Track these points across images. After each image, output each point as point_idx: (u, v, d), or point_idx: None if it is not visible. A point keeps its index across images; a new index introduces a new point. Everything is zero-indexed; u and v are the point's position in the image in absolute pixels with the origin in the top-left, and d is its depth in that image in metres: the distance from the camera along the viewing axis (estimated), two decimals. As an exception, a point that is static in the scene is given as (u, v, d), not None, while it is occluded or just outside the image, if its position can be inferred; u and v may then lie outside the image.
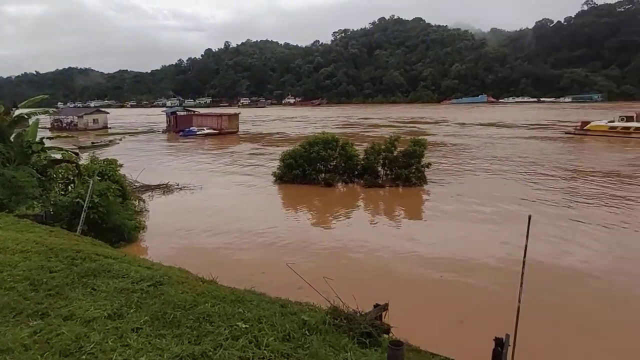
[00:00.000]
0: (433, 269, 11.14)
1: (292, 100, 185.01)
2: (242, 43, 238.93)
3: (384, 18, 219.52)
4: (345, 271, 10.95)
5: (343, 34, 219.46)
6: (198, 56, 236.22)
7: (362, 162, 22.58)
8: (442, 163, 28.01)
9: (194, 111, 64.10)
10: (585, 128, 46.07)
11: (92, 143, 43.98)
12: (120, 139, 49.86)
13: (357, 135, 47.34)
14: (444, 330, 8.14)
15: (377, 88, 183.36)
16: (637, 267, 11.13)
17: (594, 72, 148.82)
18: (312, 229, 15.22)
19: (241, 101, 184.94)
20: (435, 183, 21.83)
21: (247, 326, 4.12)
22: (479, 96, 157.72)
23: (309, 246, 13.06)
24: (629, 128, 42.22)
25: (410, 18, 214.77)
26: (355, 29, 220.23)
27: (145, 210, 17.13)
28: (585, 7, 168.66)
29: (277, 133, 56.85)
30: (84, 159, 17.04)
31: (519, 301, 4.96)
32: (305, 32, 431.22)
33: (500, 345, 4.68)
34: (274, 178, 23.04)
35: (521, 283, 5.05)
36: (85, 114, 67.57)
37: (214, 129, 53.73)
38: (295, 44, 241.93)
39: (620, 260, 11.62)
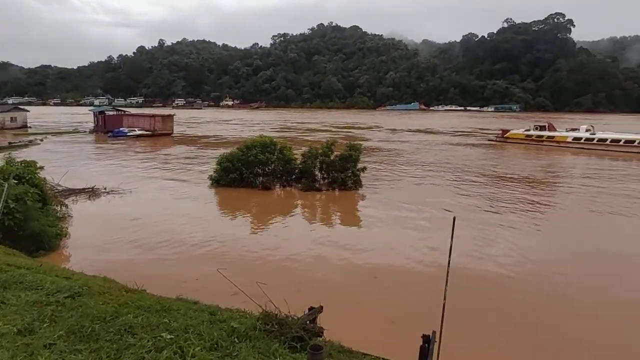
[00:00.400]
0: (367, 272, 11.39)
1: (230, 103, 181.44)
2: (177, 42, 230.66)
3: (322, 24, 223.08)
4: (280, 276, 10.90)
5: (282, 38, 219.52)
6: (130, 53, 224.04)
7: (300, 165, 22.67)
8: (376, 168, 28.88)
9: (124, 111, 60.62)
10: (505, 136, 49.95)
11: (9, 143, 40.06)
12: (42, 140, 45.87)
13: (294, 139, 47.48)
14: (377, 330, 8.35)
15: (315, 93, 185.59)
16: (545, 268, 12.15)
17: (513, 85, 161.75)
18: (249, 233, 14.97)
19: (175, 102, 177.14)
20: (370, 187, 22.46)
21: (173, 336, 3.95)
22: (412, 103, 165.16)
23: (245, 251, 12.83)
24: (542, 136, 46.45)
25: (347, 26, 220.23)
26: (294, 34, 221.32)
27: (69, 216, 15.91)
28: (505, 25, 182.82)
29: (214, 136, 55.44)
30: (-3, 160, 15.44)
31: (444, 299, 5.19)
32: (244, 34, 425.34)
33: (427, 341, 4.88)
34: (210, 182, 22.42)
35: (446, 282, 5.29)
36: (1, 112, 61.38)
37: (147, 130, 51.20)
38: (233, 46, 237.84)
39: (532, 262, 12.61)
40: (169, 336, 3.91)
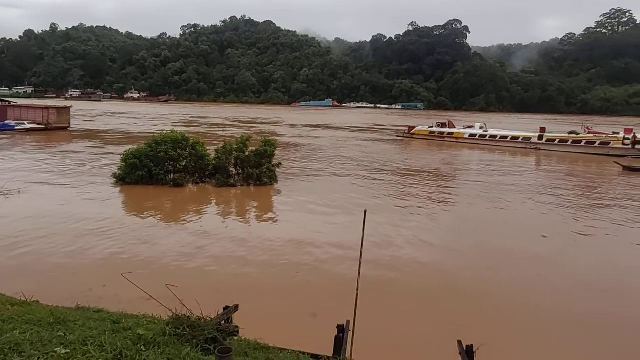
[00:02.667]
0: (287, 267, 11.36)
1: (136, 95, 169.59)
2: (73, 27, 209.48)
3: (235, 17, 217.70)
4: (193, 277, 10.46)
5: (193, 29, 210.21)
6: (15, 37, 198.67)
7: (214, 162, 21.98)
8: (291, 163, 29.05)
9: (8, 102, 53.55)
10: (411, 132, 53.40)
11: None
12: None
13: (207, 135, 45.92)
14: (298, 324, 8.40)
15: (229, 87, 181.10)
16: (450, 255, 13.22)
17: (418, 84, 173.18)
18: (159, 233, 14.11)
19: (70, 92, 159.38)
20: (286, 182, 22.53)
21: (69, 351, 3.58)
22: (325, 100, 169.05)
23: (155, 252, 12.09)
24: (443, 133, 50.53)
25: (261, 20, 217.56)
26: (205, 25, 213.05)
27: None
28: (411, 28, 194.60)
29: (118, 130, 51.48)
30: None
31: (357, 289, 5.39)
32: (150, 23, 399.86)
33: (341, 331, 5.03)
34: (115, 180, 20.76)
35: (359, 273, 5.49)
36: None
37: (39, 124, 45.82)
38: (139, 35, 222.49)
39: (438, 249, 13.64)
40: (63, 351, 3.52)
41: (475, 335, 5.30)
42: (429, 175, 26.70)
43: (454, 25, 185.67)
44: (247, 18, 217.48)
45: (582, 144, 40.09)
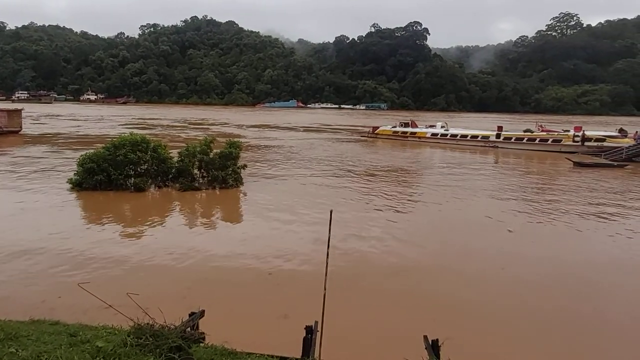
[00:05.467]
0: (257, 270, 11.19)
1: (92, 97, 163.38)
2: (23, 26, 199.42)
3: (196, 17, 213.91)
4: (156, 284, 10.15)
5: (152, 29, 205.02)
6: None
7: (177, 164, 21.43)
8: (256, 165, 28.80)
9: (-50, 105, 50.25)
10: (375, 132, 54.19)
11: None
12: None
13: (169, 137, 44.81)
14: (268, 327, 8.28)
15: (191, 88, 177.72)
16: (417, 252, 13.48)
17: (381, 85, 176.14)
18: (119, 240, 13.60)
19: (17, 94, 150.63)
20: (251, 184, 22.30)
21: (22, 367, 3.38)
22: (290, 101, 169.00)
23: (115, 260, 11.63)
24: (406, 132, 51.62)
25: (223, 20, 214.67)
26: (165, 25, 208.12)
27: None
28: (373, 29, 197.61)
29: (74, 134, 49.35)
30: None
31: (325, 289, 5.38)
32: (107, 22, 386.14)
33: (309, 332, 5.01)
34: (71, 185, 19.84)
35: (325, 272, 5.49)
36: None
37: None
38: (94, 34, 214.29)
39: (405, 246, 13.88)
40: (16, 368, 3.33)
41: (442, 330, 5.41)
42: (394, 175, 27.17)
43: (414, 27, 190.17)
44: (208, 18, 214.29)
45: (537, 141, 41.99)
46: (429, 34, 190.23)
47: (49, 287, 9.72)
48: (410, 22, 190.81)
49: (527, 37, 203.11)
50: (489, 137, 45.32)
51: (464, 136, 47.09)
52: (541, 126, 46.53)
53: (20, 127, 46.79)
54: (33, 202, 17.92)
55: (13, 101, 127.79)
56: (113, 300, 5.09)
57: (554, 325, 8.88)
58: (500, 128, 46.03)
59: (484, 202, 19.92)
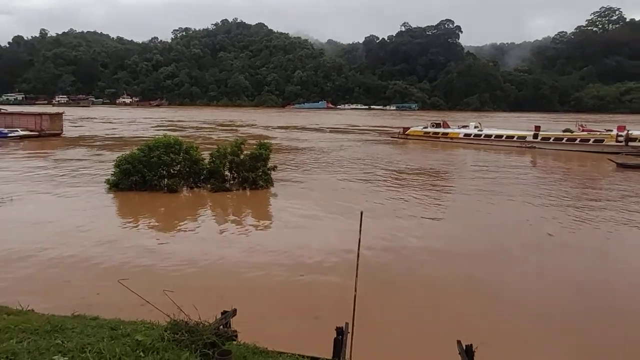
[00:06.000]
0: (286, 271, 11.26)
1: (128, 100, 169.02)
2: (64, 33, 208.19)
3: (227, 20, 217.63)
4: (190, 282, 10.40)
5: (184, 33, 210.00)
6: (3, 43, 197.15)
7: (208, 166, 21.87)
8: (287, 166, 29.02)
9: (-1, 109, 53.20)
10: (406, 133, 53.51)
11: None
12: None
13: (200, 138, 45.82)
14: (299, 328, 8.33)
15: (222, 90, 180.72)
16: (451, 255, 13.23)
17: (411, 85, 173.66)
18: (154, 239, 14.03)
19: (57, 99, 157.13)
20: (282, 185, 22.47)
21: (67, 359, 3.54)
22: (319, 102, 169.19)
23: (151, 258, 12.01)
24: (437, 133, 50.68)
25: (253, 23, 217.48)
26: (197, 29, 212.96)
27: None
28: (403, 28, 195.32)
29: (111, 136, 51.24)
30: None
31: (355, 290, 5.38)
32: (141, 27, 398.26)
33: (340, 333, 5.02)
34: (108, 186, 20.62)
35: (356, 274, 5.48)
36: None
37: (32, 131, 45.52)
38: (130, 39, 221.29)
39: (439, 249, 13.65)
40: (62, 359, 3.50)
41: (477, 335, 5.30)
42: (425, 176, 26.75)
43: (446, 25, 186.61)
44: (239, 21, 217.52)
45: (577, 141, 40.36)
46: (462, 32, 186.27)
47: (88, 284, 10.11)
48: (442, 20, 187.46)
49: (565, 33, 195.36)
50: (525, 137, 43.88)
51: (498, 136, 45.80)
52: (582, 125, 44.66)
53: (61, 129, 49.04)
54: (74, 202, 18.73)
55: (54, 105, 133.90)
56: (148, 297, 5.25)
57: (595, 328, 8.53)
58: (537, 128, 44.46)
59: (521, 207, 19.19)
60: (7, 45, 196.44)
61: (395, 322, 8.75)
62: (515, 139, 44.41)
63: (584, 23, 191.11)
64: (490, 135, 46.37)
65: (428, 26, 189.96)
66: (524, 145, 42.62)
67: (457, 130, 50.31)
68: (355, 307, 5.24)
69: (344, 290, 9.64)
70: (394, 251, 12.88)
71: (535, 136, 43.02)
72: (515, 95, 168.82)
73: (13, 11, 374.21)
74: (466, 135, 48.12)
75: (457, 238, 14.66)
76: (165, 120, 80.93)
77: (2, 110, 52.17)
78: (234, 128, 66.12)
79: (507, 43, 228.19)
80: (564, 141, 41.07)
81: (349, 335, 5.09)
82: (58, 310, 6.49)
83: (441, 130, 50.94)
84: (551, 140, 41.94)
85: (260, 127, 68.50)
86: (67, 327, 4.28)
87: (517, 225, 16.23)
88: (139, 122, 74.31)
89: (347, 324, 5.15)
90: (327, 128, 69.11)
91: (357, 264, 5.41)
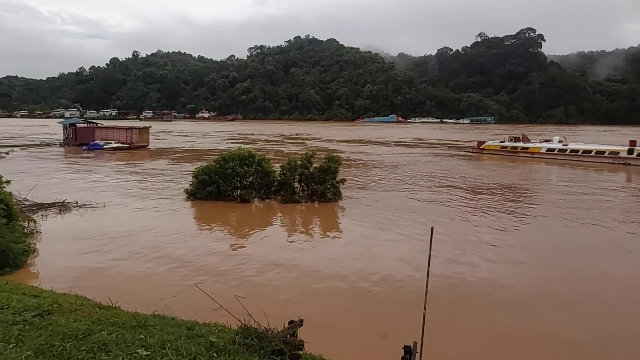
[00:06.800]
0: (354, 286, 11.17)
1: (206, 115, 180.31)
2: (152, 54, 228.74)
3: (299, 37, 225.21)
4: (260, 289, 10.71)
5: (259, 51, 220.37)
6: (102, 65, 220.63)
7: (279, 178, 22.53)
8: (356, 179, 29.00)
9: (96, 123, 59.28)
10: (481, 147, 51.05)
11: (-28, 157, 38.57)
12: (7, 153, 44.38)
13: (272, 152, 47.40)
14: (366, 345, 8.18)
15: (294, 105, 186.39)
16: (528, 276, 12.32)
17: (487, 98, 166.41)
18: (228, 247, 14.72)
19: (144, 114, 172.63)
20: (350, 198, 22.48)
21: (149, 353, 3.81)
22: (390, 116, 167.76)
23: (224, 265, 12.59)
24: (517, 148, 47.64)
25: (325, 39, 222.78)
26: (271, 46, 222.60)
27: (37, 232, 15.30)
28: (479, 39, 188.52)
29: (190, 148, 54.86)
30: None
31: (425, 309, 5.20)
32: (220, 46, 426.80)
33: (408, 352, 4.86)
34: (186, 195, 22.02)
35: (426, 292, 5.30)
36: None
37: (124, 143, 50.29)
38: (210, 58, 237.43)
39: (516, 270, 12.79)
40: (145, 353, 3.77)
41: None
42: (503, 194, 25.14)
43: (527, 34, 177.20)
44: (311, 37, 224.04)
45: (681, 158, 35.85)
46: (544, 41, 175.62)
47: (167, 286, 10.81)
48: (522, 29, 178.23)
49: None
50: (619, 153, 39.70)
51: (587, 152, 41.90)
52: (686, 140, 39.68)
53: (148, 142, 53.51)
54: (156, 209, 20.23)
55: (141, 120, 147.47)
56: (221, 301, 5.49)
57: None
58: (633, 143, 39.83)
59: (613, 229, 17.33)
60: (105, 67, 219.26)
61: (466, 346, 8.30)
62: (606, 155, 40.42)
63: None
64: (577, 151, 42.68)
65: (507, 36, 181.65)
66: (616, 162, 38.68)
67: (539, 145, 46.94)
68: (425, 327, 5.06)
69: (412, 307, 9.35)
70: (468, 272, 12.24)
71: (631, 152, 38.79)
72: (607, 107, 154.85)
73: (110, 36, 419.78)
74: (549, 150, 44.74)
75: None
76: (236, 134, 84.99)
77: (99, 125, 58.07)
78: (300, 141, 67.64)
79: (596, 51, 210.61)
80: (665, 158, 36.69)
81: (417, 356, 4.91)
82: (141, 309, 7.00)
83: (521, 144, 47.85)
84: (649, 157, 37.65)
85: (324, 141, 69.43)
86: (150, 324, 4.62)
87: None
88: (212, 136, 78.77)
89: (415, 343, 4.98)
90: (392, 142, 68.23)
91: (427, 281, 5.23)
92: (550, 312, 9.82)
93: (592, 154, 41.26)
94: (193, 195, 21.83)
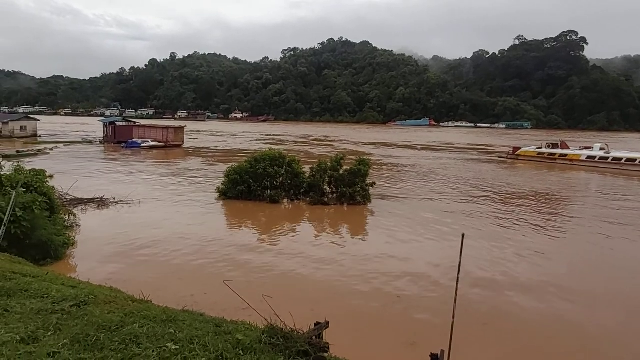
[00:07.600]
0: (382, 290, 11.07)
1: (239, 116, 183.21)
2: (188, 55, 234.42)
3: (332, 39, 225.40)
4: (287, 289, 10.79)
5: (292, 52, 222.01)
6: (141, 66, 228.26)
7: (308, 179, 22.63)
8: (385, 182, 28.76)
9: (134, 122, 61.43)
10: (516, 153, 49.52)
11: (18, 152, 40.55)
12: (52, 149, 46.58)
13: (302, 153, 47.64)
14: (393, 351, 8.11)
15: (325, 107, 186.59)
16: (561, 288, 11.88)
17: (524, 102, 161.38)
18: (257, 246, 14.91)
19: (178, 113, 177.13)
20: (380, 202, 22.31)
21: (178, 347, 3.90)
22: (422, 119, 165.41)
23: (252, 264, 12.77)
24: (554, 154, 45.95)
25: (358, 41, 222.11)
26: (304, 48, 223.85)
27: (76, 225, 16.01)
28: (517, 42, 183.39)
29: (222, 147, 55.92)
30: (8, 168, 15.57)
31: (453, 317, 5.08)
32: (254, 48, 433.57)
33: (435, 360, 4.76)
34: (218, 194, 22.46)
35: (455, 299, 5.18)
36: (11, 121, 62.29)
37: (160, 142, 51.86)
38: (244, 59, 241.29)
39: (549, 281, 12.34)
40: (174, 347, 3.86)
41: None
42: (539, 202, 24.35)
43: (568, 37, 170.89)
44: (344, 40, 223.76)
45: None
46: (587, 44, 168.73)
47: (196, 283, 11.05)
48: (563, 32, 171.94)
49: None
50: (665, 161, 37.78)
51: (630, 160, 39.93)
52: None
53: (183, 141, 54.92)
54: (188, 207, 20.73)
55: (176, 119, 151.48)
56: (248, 300, 5.56)
57: None
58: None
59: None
60: (144, 67, 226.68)
61: (499, 356, 8.07)
62: (652, 163, 38.42)
63: None
64: (619, 159, 40.73)
65: (546, 38, 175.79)
66: (663, 171, 36.70)
67: (578, 152, 45.07)
68: (453, 335, 4.94)
69: (440, 314, 9.21)
70: (493, 286, 11.82)
71: (679, 161, 36.76)
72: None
73: (150, 38, 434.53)
74: (589, 157, 42.90)
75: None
76: (264, 134, 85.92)
77: (137, 124, 60.10)
78: (327, 143, 67.63)
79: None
80: None
81: (445, 364, 4.80)
82: (171, 304, 7.18)
83: (559, 151, 46.14)
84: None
85: (349, 143, 69.16)
86: (179, 319, 4.74)
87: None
88: (241, 136, 79.92)
89: (442, 351, 4.87)
90: (420, 145, 67.19)
91: (457, 289, 5.11)
92: (590, 332, 9.41)
93: (637, 162, 39.26)
94: (224, 194, 22.23)
